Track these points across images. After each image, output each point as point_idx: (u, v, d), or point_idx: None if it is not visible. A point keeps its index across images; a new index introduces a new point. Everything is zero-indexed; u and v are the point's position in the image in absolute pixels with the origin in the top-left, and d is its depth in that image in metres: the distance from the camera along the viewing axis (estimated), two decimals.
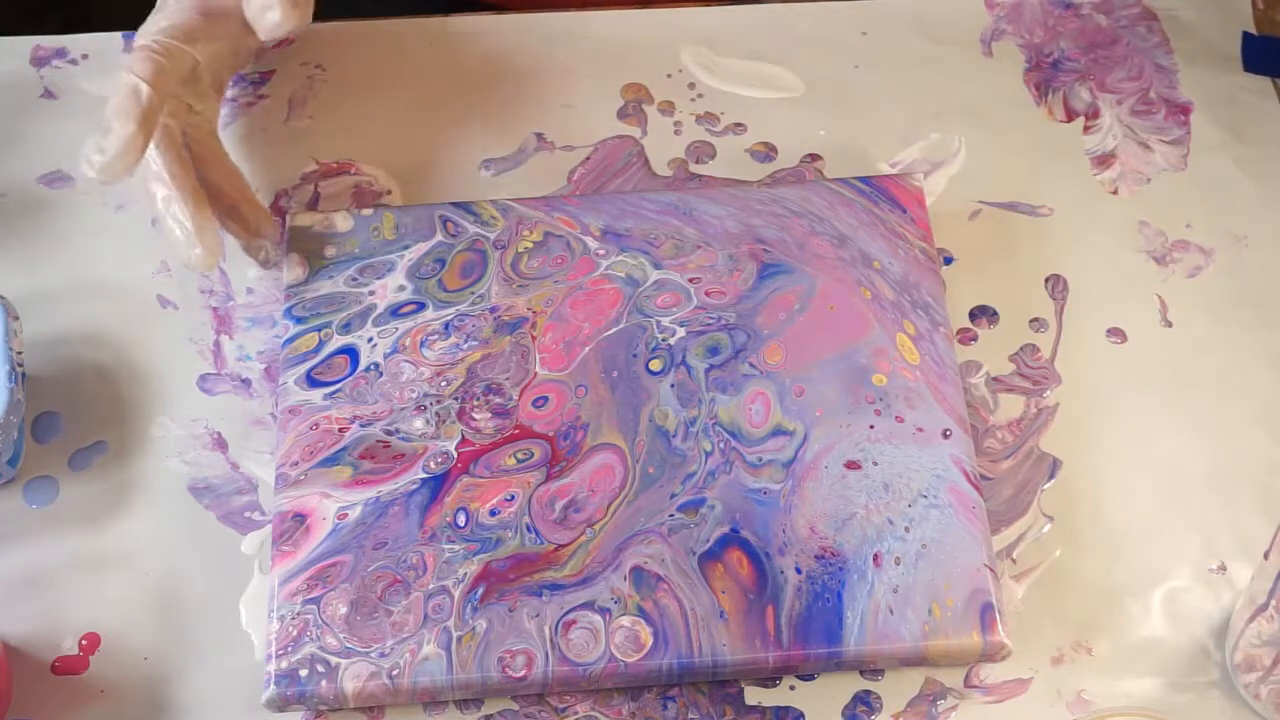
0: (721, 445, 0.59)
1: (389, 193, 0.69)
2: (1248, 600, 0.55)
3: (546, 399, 0.60)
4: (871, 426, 0.59)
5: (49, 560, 0.59)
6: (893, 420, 0.59)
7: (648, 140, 0.70)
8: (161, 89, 0.58)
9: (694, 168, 0.69)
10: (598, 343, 0.61)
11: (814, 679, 0.57)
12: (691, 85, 0.72)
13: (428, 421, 0.59)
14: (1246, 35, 0.72)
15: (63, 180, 0.69)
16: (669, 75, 0.72)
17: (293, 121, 0.71)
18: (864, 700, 0.57)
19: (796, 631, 0.55)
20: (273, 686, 0.54)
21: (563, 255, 0.63)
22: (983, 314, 0.65)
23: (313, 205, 0.68)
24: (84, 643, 0.58)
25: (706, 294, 0.62)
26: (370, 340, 0.61)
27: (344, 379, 0.60)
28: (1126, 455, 0.62)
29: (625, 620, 0.55)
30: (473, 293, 0.62)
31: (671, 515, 0.57)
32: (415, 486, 0.58)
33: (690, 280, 0.63)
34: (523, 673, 0.54)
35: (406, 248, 0.64)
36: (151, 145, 0.59)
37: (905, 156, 0.70)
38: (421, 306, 0.62)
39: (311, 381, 0.60)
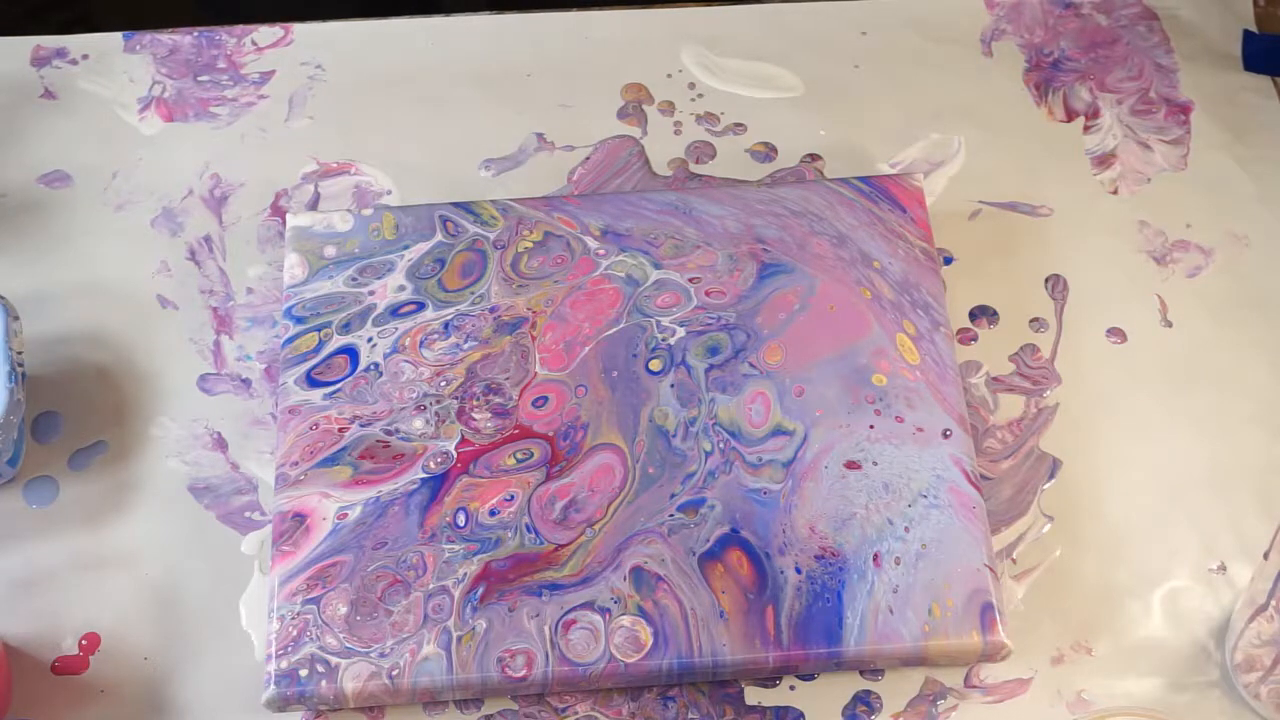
0: (721, 445, 0.59)
1: (389, 193, 0.69)
2: (1248, 600, 0.55)
3: (546, 399, 0.60)
4: (871, 426, 0.59)
5: (49, 560, 0.59)
6: (893, 420, 0.59)
7: (648, 140, 0.70)
8: None
9: (694, 168, 0.69)
10: (598, 343, 0.61)
11: (814, 679, 0.57)
12: (691, 85, 0.72)
13: (427, 421, 0.59)
14: (1247, 34, 0.72)
15: (63, 180, 0.69)
16: (669, 75, 0.72)
17: (292, 121, 0.71)
18: (864, 700, 0.57)
19: (796, 631, 0.55)
20: (273, 686, 0.54)
21: (563, 255, 0.63)
22: (983, 314, 0.65)
23: (313, 205, 0.68)
24: (84, 643, 0.58)
25: (706, 294, 0.62)
26: (370, 340, 0.61)
27: (344, 379, 0.60)
28: (1126, 455, 0.62)
29: (625, 620, 0.55)
30: (473, 293, 0.62)
31: (671, 515, 0.57)
32: (415, 486, 0.58)
33: (690, 280, 0.63)
34: (523, 673, 0.54)
35: (406, 248, 0.64)
36: None
37: (905, 156, 0.70)
38: (421, 306, 0.62)
39: (311, 381, 0.60)
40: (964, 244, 0.67)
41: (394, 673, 0.54)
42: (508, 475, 0.58)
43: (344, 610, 0.55)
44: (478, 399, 0.60)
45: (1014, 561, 0.59)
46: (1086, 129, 0.70)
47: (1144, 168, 0.69)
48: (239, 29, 0.73)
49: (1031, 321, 0.65)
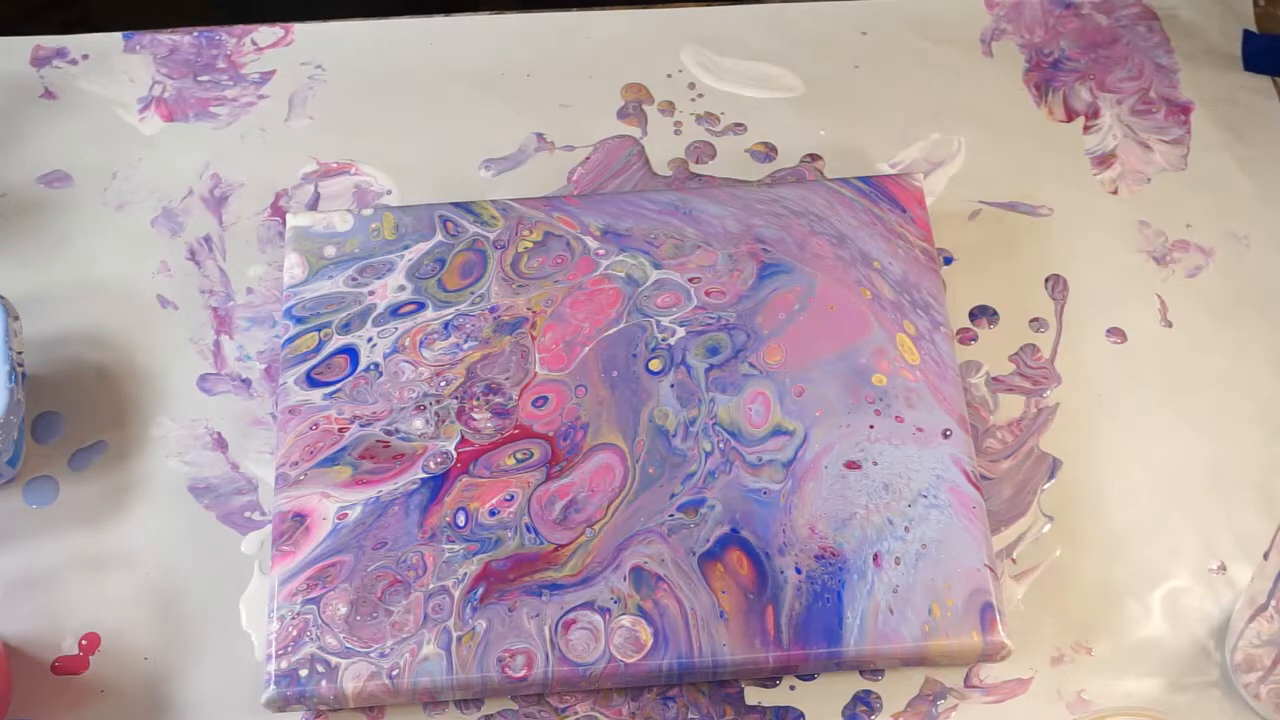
0: (721, 445, 0.59)
1: (389, 193, 0.69)
2: (1248, 600, 0.55)
3: (546, 399, 0.60)
4: (871, 426, 0.59)
5: (49, 560, 0.59)
6: (893, 420, 0.59)
7: (648, 140, 0.70)
8: None
9: (694, 168, 0.69)
10: (598, 343, 0.61)
11: (814, 679, 0.57)
12: (691, 85, 0.72)
13: (427, 421, 0.59)
14: (1247, 34, 0.72)
15: (63, 180, 0.69)
16: (669, 75, 0.72)
17: (293, 121, 0.71)
18: (864, 700, 0.57)
19: (796, 631, 0.55)
20: (273, 686, 0.54)
21: (563, 255, 0.63)
22: (983, 314, 0.65)
23: (313, 205, 0.68)
24: (84, 643, 0.58)
25: (706, 294, 0.62)
26: (370, 340, 0.61)
27: (344, 379, 0.60)
28: (1126, 455, 0.62)
29: (625, 620, 0.55)
30: (473, 293, 0.62)
31: (671, 515, 0.57)
32: (415, 486, 0.58)
33: (690, 280, 0.63)
34: (523, 673, 0.54)
35: (406, 248, 0.64)
36: None
37: (905, 156, 0.70)
38: (421, 306, 0.62)
39: (311, 381, 0.60)
40: (964, 244, 0.67)
41: (394, 673, 0.54)
42: (508, 475, 0.58)
43: (344, 610, 0.55)
44: (478, 399, 0.60)
45: (1014, 561, 0.59)
46: (1086, 129, 0.70)
47: (1144, 168, 0.69)
48: (239, 29, 0.73)
49: (1031, 321, 0.65)
